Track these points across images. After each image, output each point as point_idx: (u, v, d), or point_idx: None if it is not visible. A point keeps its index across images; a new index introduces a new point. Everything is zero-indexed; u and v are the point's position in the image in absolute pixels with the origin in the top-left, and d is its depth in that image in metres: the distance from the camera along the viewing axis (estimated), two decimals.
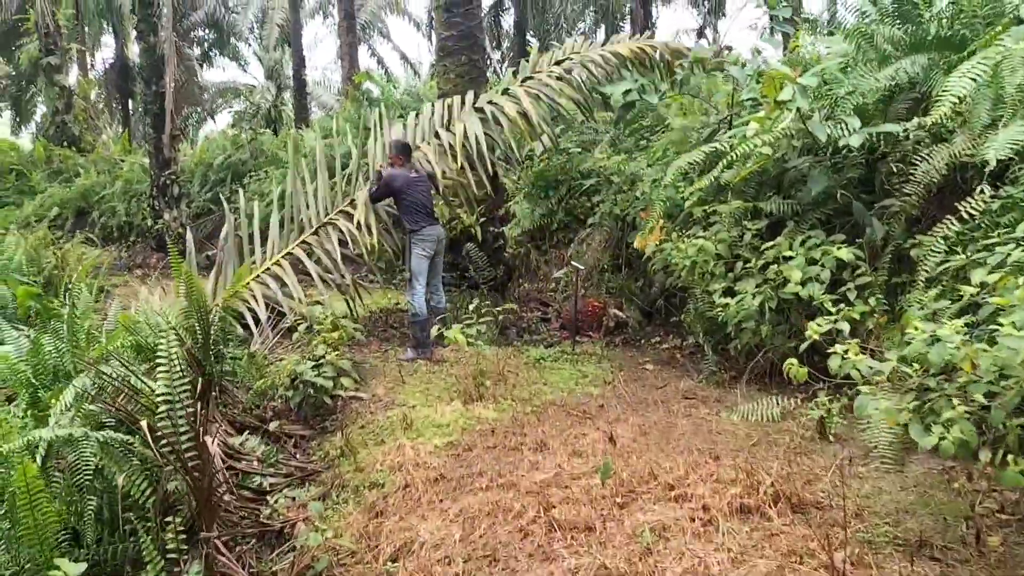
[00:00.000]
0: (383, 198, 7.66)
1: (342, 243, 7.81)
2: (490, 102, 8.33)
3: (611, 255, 8.66)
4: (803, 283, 5.35)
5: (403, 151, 7.46)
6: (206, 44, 35.67)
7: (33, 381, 4.93)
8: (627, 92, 7.90)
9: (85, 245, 14.03)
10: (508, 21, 31.13)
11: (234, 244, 7.69)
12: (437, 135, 8.32)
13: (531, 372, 6.52)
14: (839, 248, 5.32)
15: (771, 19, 7.15)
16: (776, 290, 5.62)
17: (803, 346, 4.89)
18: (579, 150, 9.93)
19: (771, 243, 5.73)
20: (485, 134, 8.36)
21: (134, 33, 21.55)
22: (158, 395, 4.03)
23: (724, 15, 28.99)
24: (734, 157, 5.85)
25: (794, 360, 4.53)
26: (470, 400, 5.66)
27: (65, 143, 22.66)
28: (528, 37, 26.18)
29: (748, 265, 5.94)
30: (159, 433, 4.07)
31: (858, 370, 3.74)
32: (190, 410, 4.22)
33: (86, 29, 32.76)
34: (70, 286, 9.51)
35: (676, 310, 7.54)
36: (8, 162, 20.77)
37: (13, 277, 9.23)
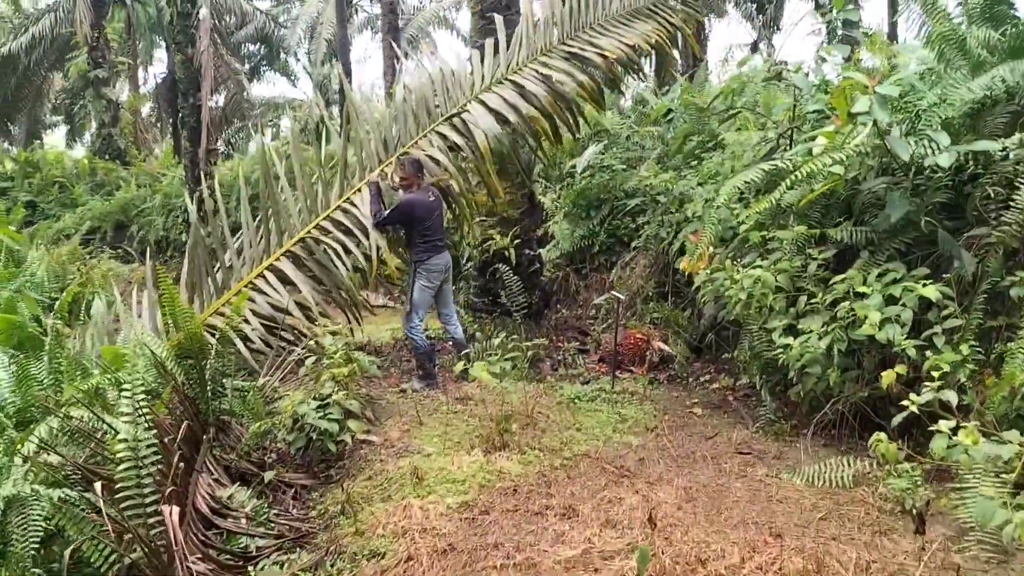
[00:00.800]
0: (394, 224, 6.83)
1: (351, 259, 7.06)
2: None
3: (656, 281, 7.96)
4: (880, 324, 4.59)
5: (419, 170, 6.72)
6: (256, 59, 35.85)
7: (3, 420, 4.42)
8: (668, 111, 7.23)
9: (115, 260, 13.78)
10: None
11: (205, 255, 7.09)
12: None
13: (564, 414, 5.83)
14: (923, 284, 4.55)
15: (841, 24, 6.39)
16: (847, 330, 4.87)
17: (897, 419, 4.12)
18: (623, 167, 9.25)
19: (841, 276, 4.98)
20: (519, 144, 7.74)
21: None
22: (118, 448, 3.47)
23: (779, 29, 28.09)
24: (799, 177, 5.12)
25: (883, 436, 3.78)
26: (493, 448, 5.00)
27: (111, 156, 22.71)
28: None
29: (813, 300, 5.20)
30: (122, 493, 3.51)
31: (968, 454, 2.99)
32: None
33: (139, 44, 33.10)
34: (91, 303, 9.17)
35: (728, 345, 6.81)
36: (53, 175, 20.81)
37: (29, 295, 8.85)
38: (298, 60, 36.03)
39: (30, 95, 30.89)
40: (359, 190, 7.16)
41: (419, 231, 6.58)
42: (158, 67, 37.10)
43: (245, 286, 6.68)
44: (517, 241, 8.04)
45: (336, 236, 6.97)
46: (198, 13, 14.40)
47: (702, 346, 7.17)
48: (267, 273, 6.84)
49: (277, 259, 6.93)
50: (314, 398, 5.06)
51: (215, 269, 6.97)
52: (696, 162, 8.79)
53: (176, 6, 14.52)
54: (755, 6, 29.10)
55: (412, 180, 6.62)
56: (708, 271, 6.00)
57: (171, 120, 33.87)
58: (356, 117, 7.34)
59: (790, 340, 5.07)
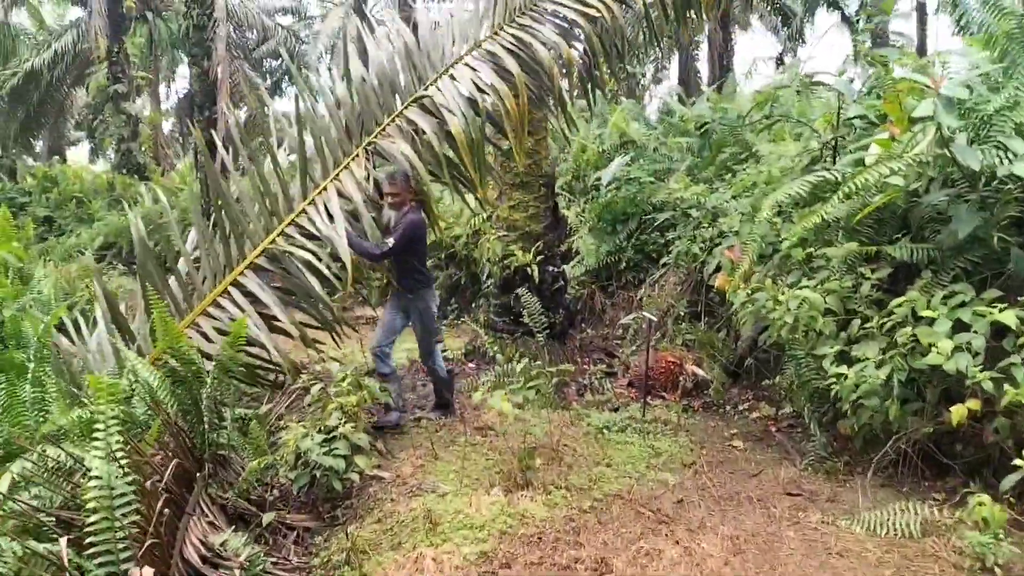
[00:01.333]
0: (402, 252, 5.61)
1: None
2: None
3: (688, 300, 7.48)
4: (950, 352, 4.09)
5: (410, 182, 5.56)
6: (278, 74, 35.84)
7: None
8: (704, 123, 6.78)
9: (129, 276, 13.48)
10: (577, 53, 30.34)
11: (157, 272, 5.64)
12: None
13: (592, 447, 5.36)
14: (998, 309, 4.05)
15: (871, 38, 5.89)
16: (907, 359, 4.38)
17: (1009, 480, 3.63)
18: (652, 179, 8.80)
19: (901, 299, 4.49)
20: (542, 153, 7.33)
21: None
22: (88, 497, 3.05)
23: (804, 42, 27.57)
24: (852, 189, 4.65)
25: (985, 499, 3.30)
26: (514, 487, 4.54)
27: (131, 171, 22.57)
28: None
29: (868, 325, 4.72)
30: (93, 549, 3.10)
31: None
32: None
33: (161, 59, 33.15)
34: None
35: (768, 370, 6.32)
36: (71, 190, 20.67)
37: (32, 313, 8.50)
38: (319, 75, 35.98)
39: (52, 111, 30.94)
40: (324, 188, 5.70)
41: (421, 253, 5.77)
42: (180, 83, 37.23)
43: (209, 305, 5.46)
44: (540, 257, 7.60)
45: (303, 243, 5.57)
46: (215, 26, 14.15)
47: (739, 371, 6.68)
48: (231, 290, 5.50)
49: (240, 274, 5.54)
50: (319, 431, 4.62)
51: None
52: (729, 174, 8.33)
53: (192, 19, 14.29)
54: (780, 19, 28.65)
55: (404, 196, 5.50)
56: (748, 291, 5.52)
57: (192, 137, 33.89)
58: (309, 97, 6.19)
59: (844, 369, 4.58)
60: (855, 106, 5.71)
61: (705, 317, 7.27)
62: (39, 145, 37.40)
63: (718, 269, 6.66)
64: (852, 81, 6.16)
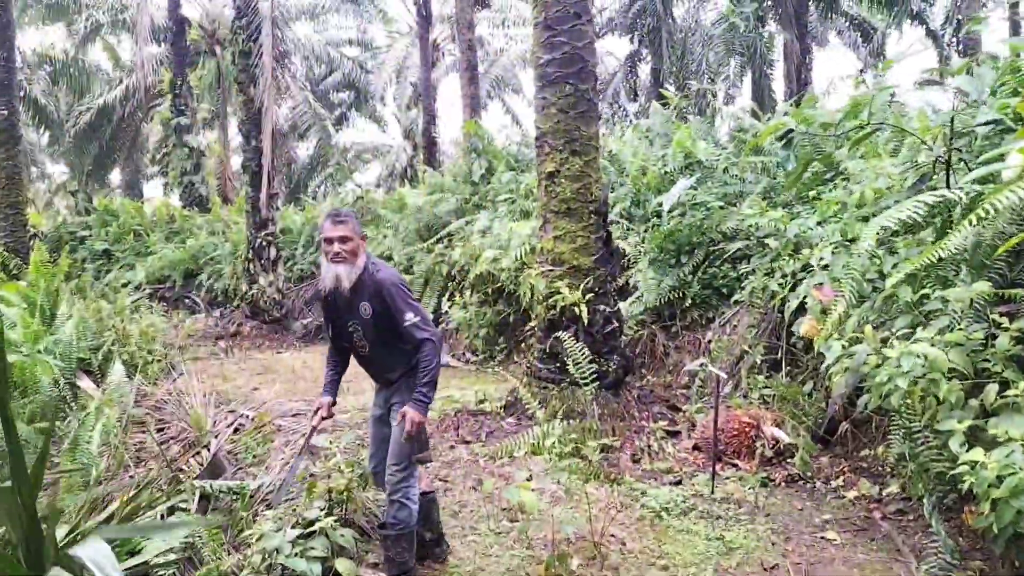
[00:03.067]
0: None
1: None
2: None
3: (765, 346, 6.33)
4: None
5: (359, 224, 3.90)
6: (345, 106, 35.86)
7: None
8: (787, 132, 5.66)
9: (160, 313, 12.95)
10: (645, 70, 29.33)
11: None
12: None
13: (646, 538, 4.29)
14: None
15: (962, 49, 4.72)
16: None
17: None
18: (721, 204, 7.70)
19: None
20: (592, 176, 6.34)
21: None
22: None
23: (884, 56, 25.98)
24: (985, 212, 3.51)
25: None
26: None
27: (193, 204, 22.46)
28: (666, 87, 24.13)
29: (1010, 393, 3.54)
30: None
31: None
32: None
33: (229, 92, 33.45)
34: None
35: (868, 436, 5.14)
36: (130, 223, 20.53)
37: (43, 359, 7.87)
38: (384, 105, 35.86)
39: (125, 145, 31.49)
40: None
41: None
42: None
43: None
44: (590, 295, 6.57)
45: None
46: (260, 53, 13.66)
47: (830, 436, 5.49)
48: None
49: None
50: (294, 525, 3.68)
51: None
52: (813, 197, 7.18)
53: (238, 44, 13.85)
54: (860, 35, 27.10)
55: (359, 244, 3.75)
56: (843, 342, 4.39)
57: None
58: None
59: (979, 455, 3.42)
60: (983, 109, 4.54)
61: (786, 367, 6.11)
62: (117, 180, 38.27)
63: (802, 310, 5.52)
64: (980, 76, 4.96)
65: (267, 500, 4.71)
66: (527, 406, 5.94)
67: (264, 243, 13.95)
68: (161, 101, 24.88)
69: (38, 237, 19.92)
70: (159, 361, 9.78)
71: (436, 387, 3.63)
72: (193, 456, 5.80)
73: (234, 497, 4.66)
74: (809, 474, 5.22)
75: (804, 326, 4.88)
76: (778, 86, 24.47)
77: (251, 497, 4.76)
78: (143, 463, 6.42)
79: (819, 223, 6.23)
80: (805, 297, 5.20)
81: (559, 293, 6.53)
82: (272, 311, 13.93)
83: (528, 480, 3.77)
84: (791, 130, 4.40)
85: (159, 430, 7.24)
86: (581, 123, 6.67)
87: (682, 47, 25.05)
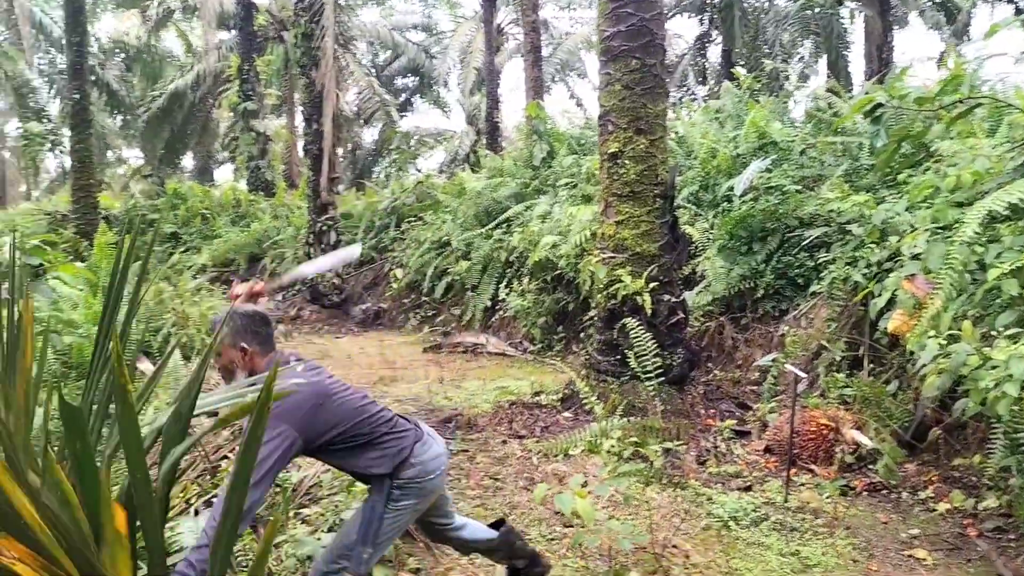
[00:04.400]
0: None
1: None
2: None
3: (846, 342, 5.84)
4: None
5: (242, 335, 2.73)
6: (409, 91, 35.81)
7: None
8: (875, 107, 5.14)
9: (222, 296, 12.94)
10: (715, 52, 28.47)
11: None
12: None
13: (712, 551, 3.90)
14: None
15: None
16: None
17: None
18: (798, 188, 7.19)
19: None
20: (658, 157, 5.94)
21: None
22: None
23: (969, 39, 24.60)
24: None
25: None
26: None
27: (259, 188, 22.64)
28: (737, 69, 23.31)
29: None
30: None
31: None
32: None
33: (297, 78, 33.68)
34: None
35: (962, 443, 4.64)
36: (198, 207, 20.77)
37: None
38: (448, 90, 35.69)
39: (196, 130, 32.03)
40: None
41: (342, 428, 2.66)
42: None
43: None
44: (654, 284, 6.17)
45: None
46: (323, 35, 13.51)
47: (919, 442, 5.00)
48: None
49: None
50: (330, 528, 3.42)
51: None
52: (899, 180, 6.63)
53: (300, 26, 13.74)
54: (943, 14, 25.75)
55: (233, 356, 2.75)
56: (940, 340, 3.92)
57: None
58: None
59: None
60: None
61: (870, 364, 5.62)
62: (190, 164, 39.08)
63: (889, 304, 5.02)
64: None
65: (310, 494, 4.49)
66: (585, 400, 5.61)
67: (324, 227, 13.86)
68: (229, 86, 25.13)
69: (108, 220, 20.35)
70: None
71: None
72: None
73: (276, 490, 4.44)
74: (894, 483, 4.74)
75: (893, 321, 4.41)
76: (855, 69, 23.41)
77: (293, 491, 4.54)
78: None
79: (908, 208, 5.71)
80: (894, 290, 4.71)
81: (620, 281, 6.16)
82: (331, 296, 13.85)
83: (583, 485, 3.42)
84: (881, 104, 3.92)
85: (212, 414, 7.14)
86: (647, 100, 6.25)
87: (754, 27, 24.17)
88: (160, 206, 20.93)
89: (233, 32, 25.30)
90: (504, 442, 5.58)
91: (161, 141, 30.14)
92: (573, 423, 6.01)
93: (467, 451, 5.26)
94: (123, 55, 30.84)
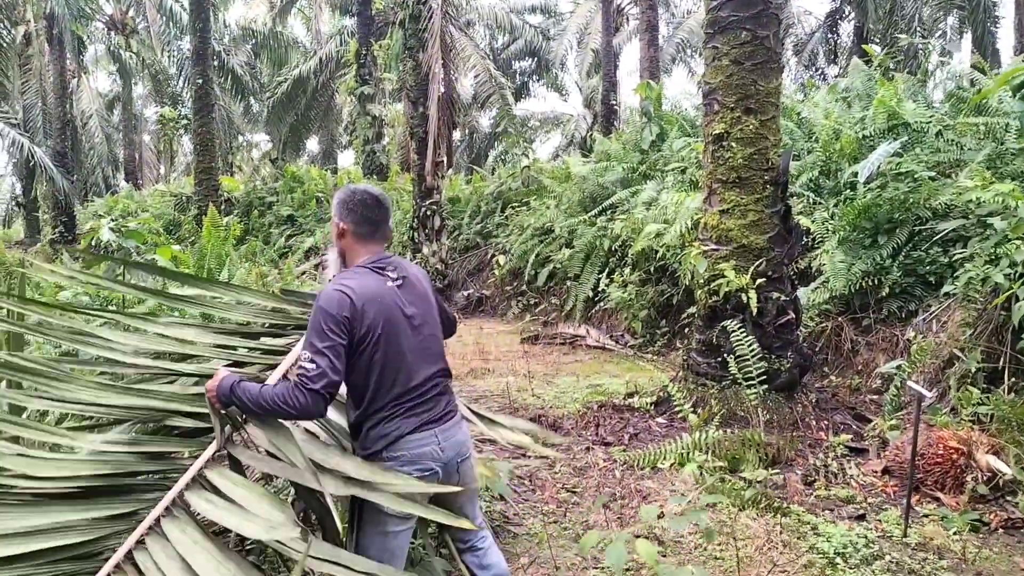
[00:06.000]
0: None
1: None
2: None
3: (983, 352, 5.11)
4: None
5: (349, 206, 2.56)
6: (527, 74, 35.56)
7: None
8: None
9: (321, 282, 13.04)
10: (846, 29, 26.80)
11: None
12: None
13: None
14: None
15: None
16: None
17: None
18: (931, 174, 6.41)
19: None
20: (769, 139, 5.37)
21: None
22: None
23: None
24: None
25: None
26: None
27: (373, 172, 22.91)
28: (870, 46, 21.76)
29: None
30: None
31: None
32: None
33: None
34: None
35: None
36: (314, 190, 21.19)
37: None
38: (566, 72, 35.20)
39: (318, 115, 32.85)
40: None
41: (368, 365, 2.44)
42: (439, 87, 38.15)
43: None
44: (761, 280, 5.60)
45: None
46: (431, 16, 13.33)
47: None
48: None
49: None
50: None
51: None
52: None
53: (409, 8, 13.61)
54: None
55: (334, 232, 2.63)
56: None
57: (445, 136, 34.28)
58: None
59: None
60: None
61: (1010, 379, 4.88)
62: (315, 149, 40.29)
63: None
64: None
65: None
66: (678, 407, 5.14)
67: (429, 212, 13.73)
68: (348, 71, 25.54)
69: (230, 202, 21.05)
70: None
71: (253, 408, 2.35)
72: None
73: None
74: None
75: None
76: (1004, 46, 21.40)
77: None
78: None
79: None
80: None
81: (723, 276, 5.62)
82: (436, 281, 13.72)
83: (660, 517, 2.99)
84: None
85: None
86: (758, 76, 5.67)
87: (890, 1, 22.49)
88: (279, 189, 21.45)
89: (351, 16, 25.66)
90: (588, 449, 5.17)
91: (285, 126, 31.02)
92: (666, 430, 5.54)
93: (547, 458, 4.89)
94: (251, 42, 31.86)
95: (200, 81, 17.98)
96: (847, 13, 26.16)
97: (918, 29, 23.06)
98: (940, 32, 22.64)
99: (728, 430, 5.09)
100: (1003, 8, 21.10)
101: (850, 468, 4.88)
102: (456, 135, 37.38)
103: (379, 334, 2.39)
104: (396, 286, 2.48)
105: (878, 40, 22.36)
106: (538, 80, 35.91)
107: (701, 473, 4.49)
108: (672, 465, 4.71)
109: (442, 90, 13.71)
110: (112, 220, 8.19)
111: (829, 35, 27.43)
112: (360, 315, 2.36)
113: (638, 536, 3.43)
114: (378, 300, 2.41)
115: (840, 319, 6.63)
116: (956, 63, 21.64)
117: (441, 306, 2.72)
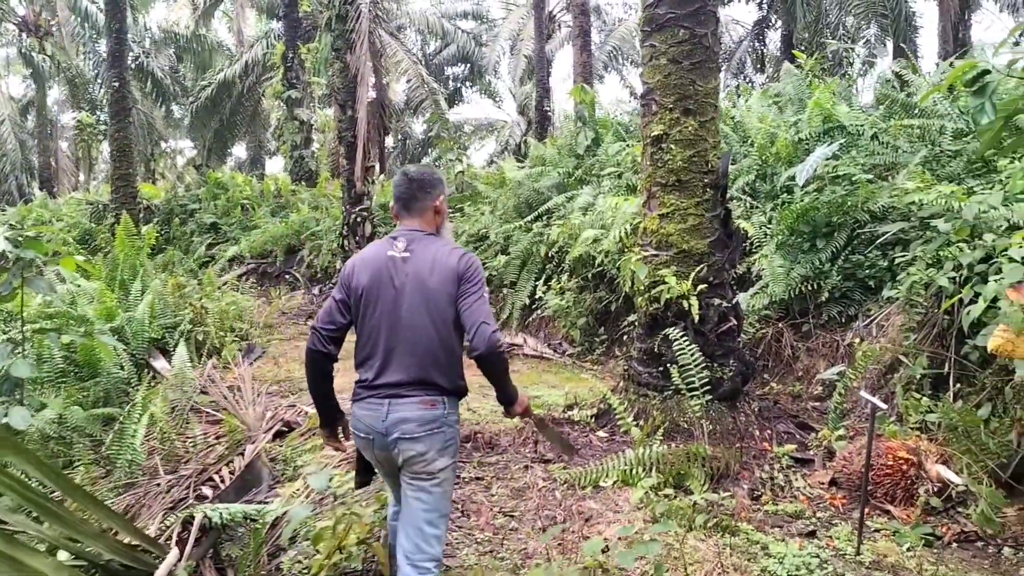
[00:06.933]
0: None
1: None
2: None
3: (929, 357, 5.00)
4: None
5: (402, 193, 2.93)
6: (460, 80, 35.25)
7: None
8: (980, 75, 4.29)
9: (250, 288, 12.49)
10: (773, 38, 27.28)
11: None
12: None
13: None
14: None
15: None
16: None
17: None
18: (869, 177, 6.33)
19: None
20: (708, 141, 5.19)
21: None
22: None
23: (1016, 43, 22.89)
24: None
25: None
26: None
27: (302, 178, 22.26)
28: (798, 52, 22.09)
29: None
30: None
31: None
32: None
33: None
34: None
35: None
36: (238, 196, 20.46)
37: (102, 342, 7.33)
38: (499, 79, 35.01)
39: (245, 120, 31.91)
40: None
41: (359, 319, 2.80)
42: (371, 92, 37.53)
43: None
44: (702, 286, 5.40)
45: None
46: (359, 17, 12.92)
47: (1017, 483, 4.17)
48: None
49: None
50: None
51: None
52: (985, 170, 5.76)
53: (335, 8, 13.18)
54: None
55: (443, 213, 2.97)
56: None
57: (378, 142, 33.61)
58: None
59: None
60: None
61: (956, 384, 4.78)
62: (243, 155, 39.16)
63: (982, 321, 4.17)
64: None
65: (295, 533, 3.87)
66: (620, 420, 4.90)
67: (359, 219, 13.31)
68: (275, 75, 24.84)
69: (151, 209, 20.16)
70: (237, 342, 9.23)
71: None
72: (227, 464, 5.04)
73: (252, 525, 3.83)
74: (991, 533, 3.92)
75: (994, 339, 3.59)
76: (925, 53, 21.96)
77: (273, 526, 3.94)
78: (188, 460, 5.76)
79: (1005, 202, 4.85)
80: (995, 299, 3.88)
81: (664, 283, 5.40)
82: None
83: (604, 550, 2.71)
84: (988, 71, 3.11)
85: (215, 422, 6.59)
86: (697, 76, 5.47)
87: (817, 9, 22.94)
88: (201, 196, 20.65)
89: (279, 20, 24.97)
90: (527, 467, 4.87)
91: (210, 131, 30.04)
92: (608, 444, 5.29)
93: (482, 479, 4.58)
94: (175, 45, 30.78)
95: (116, 84, 17.15)
96: (774, 22, 26.64)
97: (843, 37, 23.60)
98: (864, 40, 23.18)
99: (672, 443, 4.87)
100: (922, 19, 21.71)
101: (796, 480, 4.71)
102: (389, 141, 36.84)
103: (360, 294, 2.75)
104: (399, 257, 2.75)
105: (804, 48, 22.76)
106: (472, 86, 35.65)
107: (646, 492, 4.24)
108: (615, 483, 4.45)
109: (372, 94, 13.33)
110: (10, 228, 7.54)
111: (756, 44, 27.89)
112: (352, 276, 2.80)
113: (584, 568, 3.15)
114: (371, 266, 2.77)
115: (780, 325, 6.50)
116: (881, 69, 22.14)
117: (456, 303, 2.72)
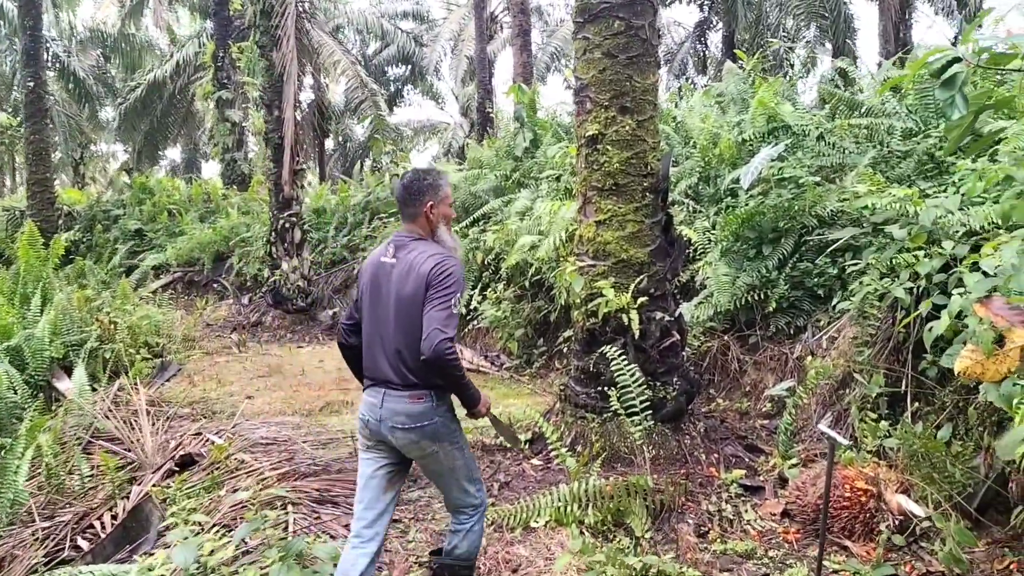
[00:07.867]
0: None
1: None
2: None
3: (886, 375, 4.64)
4: None
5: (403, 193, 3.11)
6: (400, 81, 34.56)
7: None
8: (948, 64, 3.93)
9: (168, 303, 11.73)
10: (714, 39, 27.31)
11: None
12: None
13: None
14: None
15: None
16: None
17: None
18: (816, 179, 5.99)
19: None
20: (647, 141, 4.76)
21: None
22: None
23: (980, 27, 23.34)
24: None
25: None
26: None
27: (234, 182, 21.38)
28: (740, 52, 22.04)
29: None
30: None
31: None
32: None
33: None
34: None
35: None
36: (165, 201, 19.51)
37: None
38: (441, 79, 34.43)
39: (177, 122, 30.76)
40: None
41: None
42: (308, 93, 36.56)
43: None
44: (643, 298, 4.97)
45: None
46: (285, 12, 12.25)
47: (983, 515, 3.81)
48: None
49: None
50: None
51: None
52: (937, 171, 5.46)
53: (259, 3, 12.50)
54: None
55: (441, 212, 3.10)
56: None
57: (316, 145, 32.71)
58: None
59: None
60: None
61: (914, 404, 4.42)
62: (178, 158, 37.86)
63: (947, 340, 3.80)
64: None
65: None
66: (553, 450, 4.43)
67: (288, 224, 12.64)
68: (204, 74, 23.89)
69: (72, 216, 19.12)
70: (149, 360, 8.54)
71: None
72: (110, 509, 4.43)
73: None
74: (959, 572, 3.55)
75: (962, 361, 3.21)
76: (863, 55, 22.13)
77: None
78: (81, 497, 5.13)
79: (962, 206, 4.52)
80: (961, 314, 3.51)
81: (602, 296, 4.96)
82: (296, 300, 12.61)
83: None
84: (958, 60, 2.73)
85: (114, 453, 5.94)
86: (634, 71, 5.05)
87: (757, 11, 22.96)
88: (126, 201, 19.66)
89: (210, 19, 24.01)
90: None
91: (140, 133, 28.87)
92: (543, 474, 4.83)
93: (399, 522, 4.07)
94: (102, 45, 29.48)
95: (32, 84, 16.15)
96: (715, 23, 26.65)
97: (783, 39, 23.65)
98: (804, 41, 23.28)
99: (612, 473, 4.43)
100: (859, 21, 21.89)
101: (747, 512, 4.31)
102: (329, 144, 35.97)
103: (361, 294, 3.07)
104: (388, 263, 2.97)
105: (746, 49, 22.71)
106: (413, 87, 35.01)
107: (581, 533, 3.79)
108: (548, 523, 3.98)
109: (298, 92, 12.68)
110: None
111: (698, 45, 27.88)
112: (360, 277, 3.13)
113: None
114: (369, 270, 3.05)
115: (726, 337, 6.12)
116: (823, 69, 22.24)
117: (423, 308, 2.81)
